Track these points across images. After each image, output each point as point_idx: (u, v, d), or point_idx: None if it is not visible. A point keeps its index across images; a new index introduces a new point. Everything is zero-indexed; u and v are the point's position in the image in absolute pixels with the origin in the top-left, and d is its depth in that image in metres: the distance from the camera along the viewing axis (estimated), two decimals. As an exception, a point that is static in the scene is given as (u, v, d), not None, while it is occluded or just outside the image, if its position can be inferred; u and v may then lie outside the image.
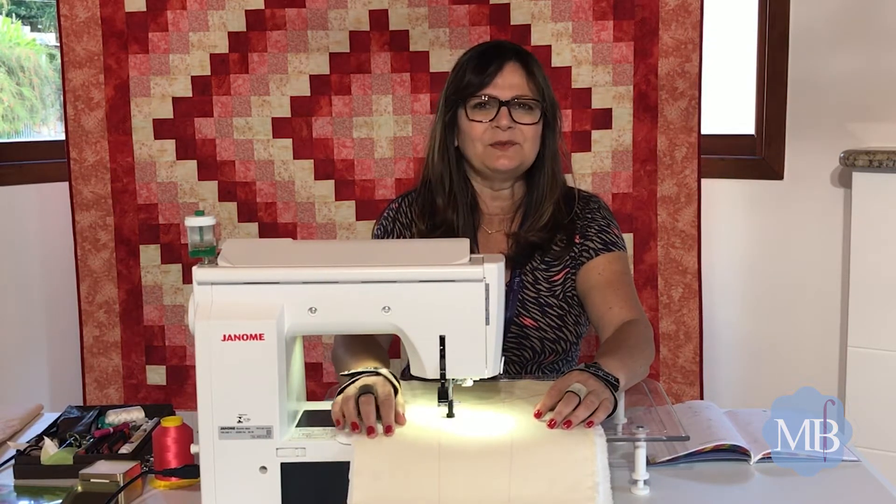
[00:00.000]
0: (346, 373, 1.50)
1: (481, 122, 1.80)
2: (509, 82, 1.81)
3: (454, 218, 1.85)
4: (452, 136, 1.87)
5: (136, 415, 1.71)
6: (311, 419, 1.44)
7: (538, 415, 1.38)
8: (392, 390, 1.42)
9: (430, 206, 1.88)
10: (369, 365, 1.52)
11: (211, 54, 2.68)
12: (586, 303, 1.84)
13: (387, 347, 1.80)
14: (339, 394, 1.41)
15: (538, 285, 1.86)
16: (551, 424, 1.34)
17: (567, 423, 1.33)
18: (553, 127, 1.86)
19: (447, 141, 1.87)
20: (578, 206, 1.89)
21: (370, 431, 1.33)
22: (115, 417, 1.70)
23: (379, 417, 1.36)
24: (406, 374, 1.66)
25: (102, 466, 1.45)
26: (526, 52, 1.87)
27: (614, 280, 1.82)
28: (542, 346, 1.85)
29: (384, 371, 1.47)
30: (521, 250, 1.85)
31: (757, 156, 2.81)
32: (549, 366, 1.87)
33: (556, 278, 1.86)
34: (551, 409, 1.38)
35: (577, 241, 1.86)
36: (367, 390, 1.39)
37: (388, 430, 1.34)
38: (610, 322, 1.76)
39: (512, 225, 1.89)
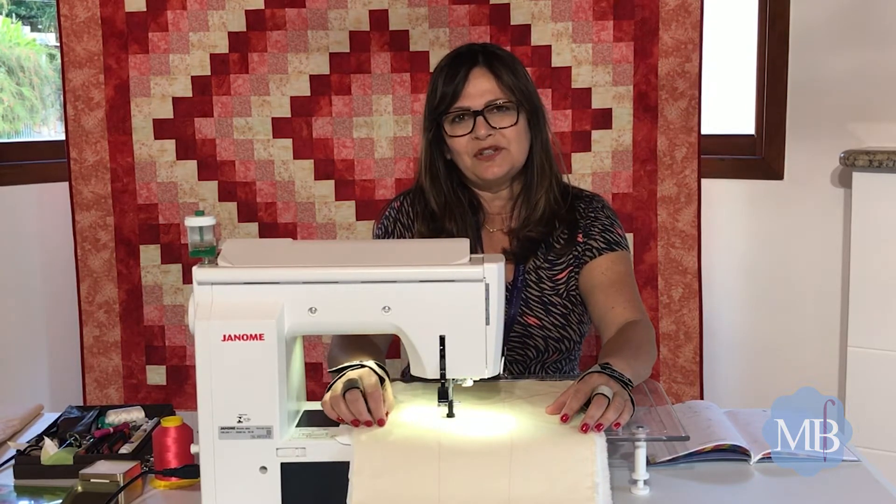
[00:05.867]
0: (333, 369, 1.50)
1: (462, 136, 1.81)
2: (479, 89, 1.80)
3: (452, 227, 1.85)
4: (441, 151, 1.87)
5: (136, 415, 1.71)
6: (311, 419, 1.44)
7: (565, 418, 1.36)
8: (378, 380, 1.43)
9: (430, 210, 1.88)
10: (358, 360, 1.52)
11: (211, 54, 2.68)
12: (588, 302, 1.84)
13: (385, 349, 1.80)
14: (327, 390, 1.42)
15: (542, 284, 1.86)
16: (584, 429, 1.33)
17: (598, 426, 1.33)
18: (536, 120, 1.85)
19: (435, 157, 1.87)
20: (581, 205, 1.89)
21: (367, 424, 1.35)
22: (115, 417, 1.70)
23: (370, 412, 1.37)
24: (406, 375, 1.66)
25: (102, 466, 1.46)
26: (492, 53, 1.84)
27: (617, 280, 1.82)
28: (546, 345, 1.85)
29: (370, 363, 1.48)
30: (521, 246, 1.85)
31: (757, 156, 2.81)
32: (552, 365, 1.88)
33: (559, 277, 1.86)
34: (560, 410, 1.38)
35: (580, 239, 1.86)
36: (352, 385, 1.39)
37: (380, 423, 1.36)
38: (612, 322, 1.76)
39: (511, 221, 1.89)
